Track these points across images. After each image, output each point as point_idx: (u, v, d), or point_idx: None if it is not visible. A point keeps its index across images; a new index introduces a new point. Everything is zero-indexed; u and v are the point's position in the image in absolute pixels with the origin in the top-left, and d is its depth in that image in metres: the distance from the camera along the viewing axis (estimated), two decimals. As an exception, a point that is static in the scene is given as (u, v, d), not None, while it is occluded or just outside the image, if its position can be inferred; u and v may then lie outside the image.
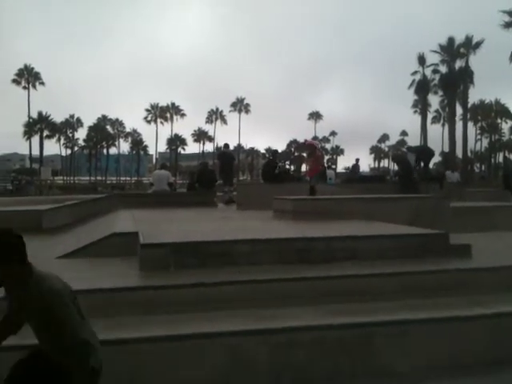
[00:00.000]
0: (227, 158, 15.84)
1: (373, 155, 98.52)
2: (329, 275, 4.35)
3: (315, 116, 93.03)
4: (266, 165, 15.58)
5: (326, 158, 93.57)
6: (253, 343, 3.45)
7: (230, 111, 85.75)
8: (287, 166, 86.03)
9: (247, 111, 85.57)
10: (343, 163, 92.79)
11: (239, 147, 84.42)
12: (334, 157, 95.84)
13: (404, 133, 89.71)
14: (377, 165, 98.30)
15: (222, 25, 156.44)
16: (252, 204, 10.36)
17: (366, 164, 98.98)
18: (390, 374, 3.54)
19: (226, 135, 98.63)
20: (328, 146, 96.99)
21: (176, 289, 3.98)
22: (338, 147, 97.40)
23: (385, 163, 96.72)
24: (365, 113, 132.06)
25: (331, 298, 4.04)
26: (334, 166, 49.33)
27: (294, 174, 21.65)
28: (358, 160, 22.04)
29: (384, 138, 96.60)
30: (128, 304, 3.75)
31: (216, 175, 15.41)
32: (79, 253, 5.33)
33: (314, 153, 10.48)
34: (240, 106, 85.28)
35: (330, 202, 7.80)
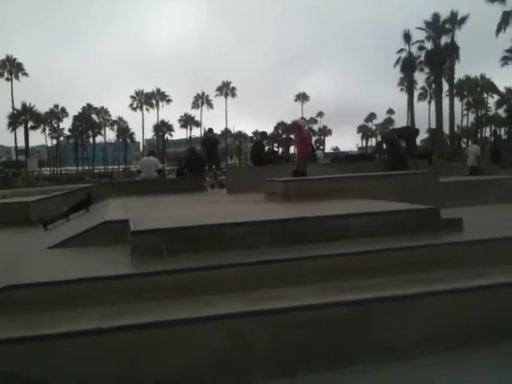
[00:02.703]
0: (211, 142, 15.92)
1: (360, 134, 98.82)
2: (322, 254, 4.35)
3: (302, 97, 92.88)
4: (254, 147, 15.57)
5: (314, 138, 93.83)
6: (251, 325, 3.44)
7: (216, 95, 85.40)
8: (275, 149, 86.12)
9: (233, 95, 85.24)
10: (331, 143, 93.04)
11: (226, 131, 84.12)
12: (322, 137, 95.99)
13: (391, 111, 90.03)
14: (364, 144, 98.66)
15: (206, 10, 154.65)
16: (242, 187, 10.35)
17: (354, 143, 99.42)
18: (389, 350, 3.56)
19: (212, 120, 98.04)
20: (315, 127, 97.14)
21: (168, 274, 3.96)
22: (325, 127, 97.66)
23: (372, 142, 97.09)
24: (351, 92, 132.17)
25: (326, 276, 4.04)
26: (322, 147, 49.45)
27: (283, 156, 21.68)
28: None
29: (371, 116, 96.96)
30: (121, 291, 3.72)
31: (204, 160, 15.41)
32: (70, 242, 5.28)
33: (300, 132, 10.28)
34: (226, 89, 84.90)
35: (320, 182, 7.79)
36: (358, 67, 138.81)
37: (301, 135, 10.35)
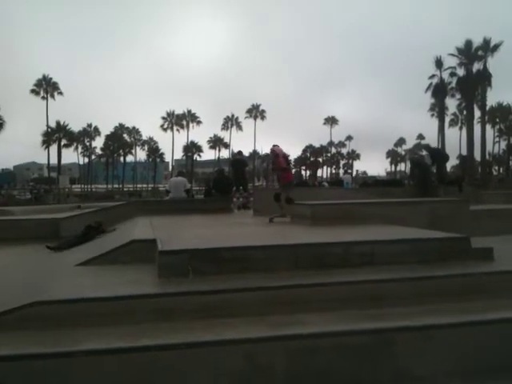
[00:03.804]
0: (240, 164, 16.04)
1: (389, 159, 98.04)
2: (347, 281, 4.31)
3: (331, 121, 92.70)
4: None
5: (342, 162, 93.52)
6: (271, 350, 3.42)
7: (246, 118, 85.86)
8: (303, 172, 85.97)
9: (263, 117, 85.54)
10: (360, 168, 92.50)
11: (255, 153, 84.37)
12: (350, 161, 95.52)
13: (421, 136, 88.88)
14: (393, 169, 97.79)
15: (237, 35, 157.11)
16: (269, 209, 10.33)
17: (382, 168, 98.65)
18: (410, 380, 3.49)
19: (241, 142, 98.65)
20: (344, 151, 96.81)
21: (194, 295, 3.97)
22: (353, 152, 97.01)
23: (401, 167, 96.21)
24: (381, 117, 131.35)
25: (350, 303, 3.99)
26: (349, 171, 49.21)
27: (309, 180, 21.66)
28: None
29: (400, 141, 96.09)
30: (147, 311, 3.75)
31: (232, 181, 15.49)
32: (98, 260, 5.34)
33: (276, 158, 9.90)
34: (255, 112, 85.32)
35: (348, 206, 7.74)
36: (388, 91, 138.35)
37: (277, 161, 9.90)
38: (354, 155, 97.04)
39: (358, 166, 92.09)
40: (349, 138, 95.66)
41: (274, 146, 9.64)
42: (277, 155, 9.54)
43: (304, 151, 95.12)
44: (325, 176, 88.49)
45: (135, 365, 3.21)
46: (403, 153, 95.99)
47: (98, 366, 3.17)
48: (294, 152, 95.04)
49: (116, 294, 3.93)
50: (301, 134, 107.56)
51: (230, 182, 15.45)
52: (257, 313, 3.80)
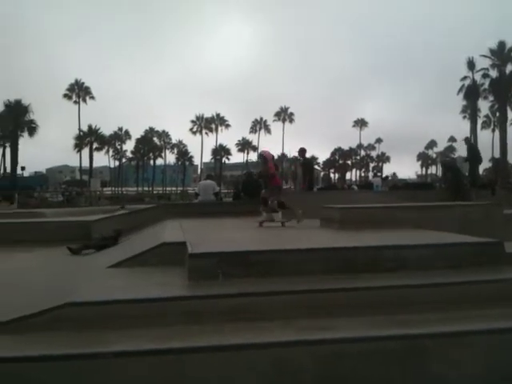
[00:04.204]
0: None
1: (420, 162, 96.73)
2: (376, 285, 4.27)
3: (360, 123, 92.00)
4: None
5: (372, 165, 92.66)
6: (299, 354, 3.40)
7: (274, 121, 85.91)
8: (331, 175, 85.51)
9: (291, 120, 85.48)
10: (390, 170, 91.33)
11: (283, 156, 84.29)
12: (380, 164, 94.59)
13: (452, 139, 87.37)
14: (424, 171, 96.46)
15: (265, 37, 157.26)
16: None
17: (413, 171, 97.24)
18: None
19: (269, 145, 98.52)
20: (373, 154, 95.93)
21: (223, 298, 3.99)
22: (383, 154, 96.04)
23: (432, 170, 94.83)
24: (411, 119, 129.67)
25: (379, 308, 3.95)
26: (379, 174, 48.75)
27: (338, 183, 21.60)
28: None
29: (431, 144, 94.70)
30: (178, 313, 3.79)
31: (261, 184, 15.51)
32: (129, 262, 5.42)
33: (266, 163, 9.79)
34: (284, 115, 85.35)
35: (377, 210, 7.67)
36: (418, 93, 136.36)
37: (267, 165, 9.80)
38: (383, 158, 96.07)
39: (388, 169, 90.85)
40: (378, 140, 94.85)
41: (263, 151, 9.62)
42: (266, 160, 9.54)
43: (333, 154, 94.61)
44: (354, 179, 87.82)
45: (165, 368, 3.25)
46: (434, 155, 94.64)
47: (130, 367, 3.21)
48: (322, 155, 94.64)
49: (148, 296, 3.99)
50: (329, 137, 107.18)
51: (258, 185, 15.48)
52: (285, 316, 3.80)
